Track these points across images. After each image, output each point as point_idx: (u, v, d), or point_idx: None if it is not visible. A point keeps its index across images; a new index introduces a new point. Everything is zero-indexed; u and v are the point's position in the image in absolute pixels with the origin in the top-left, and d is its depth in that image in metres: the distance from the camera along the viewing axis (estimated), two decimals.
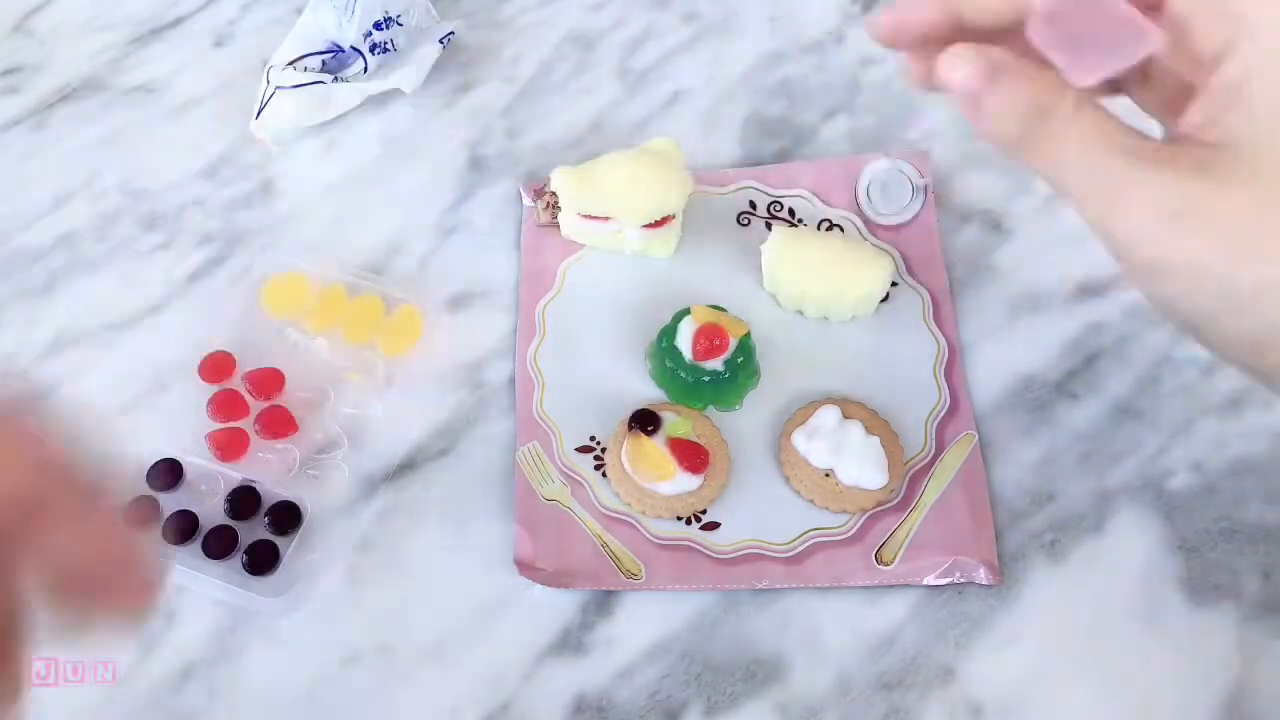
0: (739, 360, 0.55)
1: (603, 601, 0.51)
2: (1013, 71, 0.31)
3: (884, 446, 0.53)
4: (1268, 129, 0.29)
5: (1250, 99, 0.29)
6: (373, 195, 0.65)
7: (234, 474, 0.53)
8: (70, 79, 0.71)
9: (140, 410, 0.56)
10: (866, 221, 0.62)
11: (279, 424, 0.54)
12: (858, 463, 0.52)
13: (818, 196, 0.63)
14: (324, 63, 0.68)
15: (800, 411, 0.55)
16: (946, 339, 0.58)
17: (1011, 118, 0.32)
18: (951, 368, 0.57)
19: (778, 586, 0.50)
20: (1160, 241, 0.30)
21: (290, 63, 0.67)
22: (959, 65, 0.31)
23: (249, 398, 0.56)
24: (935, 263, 0.60)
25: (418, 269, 0.62)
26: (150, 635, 0.50)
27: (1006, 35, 0.32)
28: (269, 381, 0.56)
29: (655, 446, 0.52)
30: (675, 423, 0.53)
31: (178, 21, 0.74)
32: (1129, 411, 0.55)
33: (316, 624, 0.50)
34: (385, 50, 0.67)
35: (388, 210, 0.64)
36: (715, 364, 0.54)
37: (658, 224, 0.59)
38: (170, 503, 0.52)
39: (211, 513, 0.52)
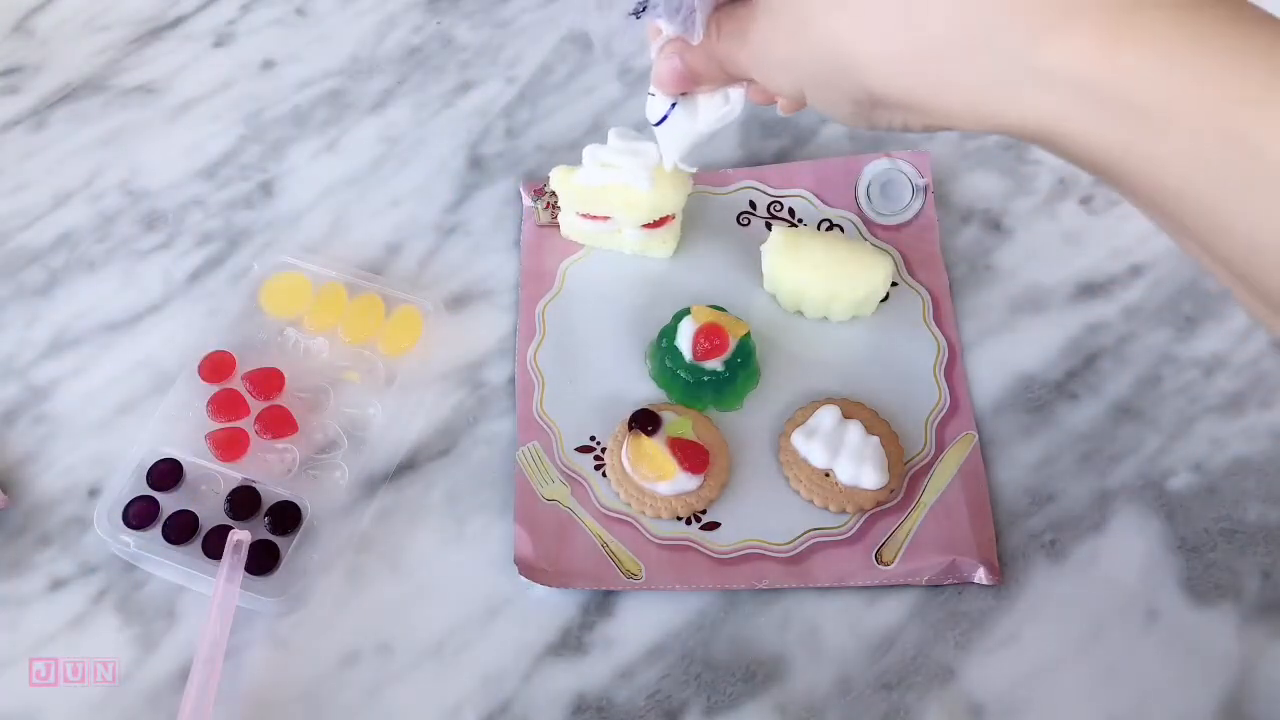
0: (739, 360, 0.55)
1: (603, 601, 0.51)
2: (686, 45, 0.44)
3: (884, 446, 0.53)
4: None
5: None
6: (373, 195, 0.65)
7: (234, 474, 0.53)
8: (70, 79, 0.71)
9: (140, 410, 0.56)
10: (866, 221, 0.62)
11: (279, 424, 0.54)
12: (857, 462, 0.52)
13: (818, 196, 0.63)
14: None
15: (800, 411, 0.55)
16: (946, 339, 0.58)
17: (702, 66, 0.44)
18: (951, 368, 0.57)
19: (778, 586, 0.50)
20: (774, 76, 0.41)
21: None
22: (664, 66, 0.45)
23: (249, 398, 0.55)
24: (935, 263, 0.60)
25: (418, 269, 0.62)
26: (150, 635, 0.50)
27: None
28: (269, 381, 0.56)
29: (655, 446, 0.52)
30: (675, 423, 0.53)
31: (178, 21, 0.74)
32: (1129, 411, 0.55)
33: (316, 624, 0.50)
34: None
35: (388, 210, 0.64)
36: (715, 364, 0.54)
37: (657, 224, 0.59)
38: (170, 503, 0.52)
39: (211, 513, 0.52)
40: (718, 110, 0.47)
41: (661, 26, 0.45)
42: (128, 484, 0.53)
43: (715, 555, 0.51)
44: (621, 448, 0.53)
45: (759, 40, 0.40)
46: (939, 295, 0.59)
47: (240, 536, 0.50)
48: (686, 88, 0.46)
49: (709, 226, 0.62)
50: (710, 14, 0.42)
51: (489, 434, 0.56)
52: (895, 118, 0.38)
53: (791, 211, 0.63)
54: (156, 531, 0.51)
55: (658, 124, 0.48)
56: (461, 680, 0.49)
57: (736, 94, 0.47)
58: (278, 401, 0.56)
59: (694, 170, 0.53)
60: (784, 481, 0.54)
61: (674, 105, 0.47)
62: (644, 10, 0.42)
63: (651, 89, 0.47)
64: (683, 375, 0.55)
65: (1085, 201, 0.63)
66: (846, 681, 0.48)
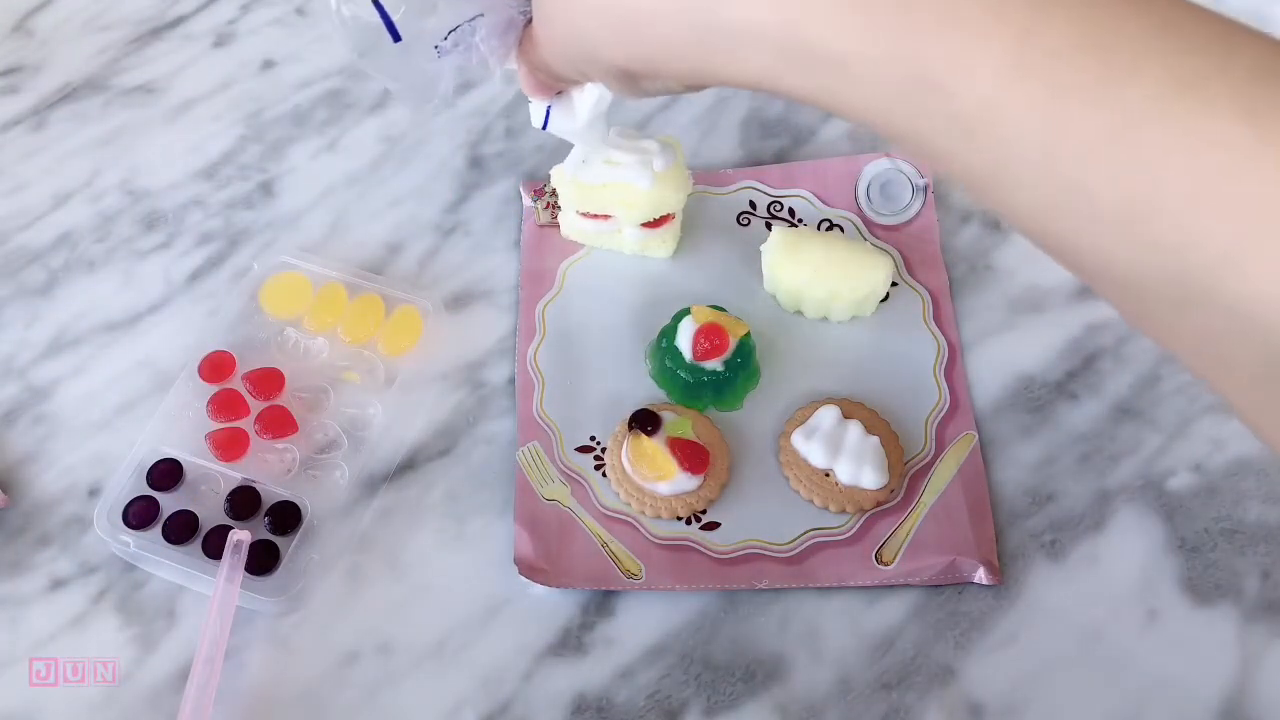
0: (739, 360, 0.55)
1: (603, 601, 0.51)
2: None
3: (884, 446, 0.53)
4: None
5: None
6: (373, 195, 0.65)
7: (234, 474, 0.53)
8: (70, 79, 0.71)
9: (140, 410, 0.56)
10: (866, 221, 0.62)
11: (279, 424, 0.54)
12: (857, 462, 0.52)
13: (818, 196, 0.63)
14: None
15: (800, 411, 0.55)
16: (946, 339, 0.58)
17: (535, 79, 0.47)
18: (951, 368, 0.57)
19: (778, 586, 0.50)
20: (566, 71, 0.44)
21: None
22: (521, 78, 0.48)
23: (249, 398, 0.55)
24: (935, 263, 0.60)
25: (418, 269, 0.62)
26: (150, 635, 0.50)
27: None
28: (269, 381, 0.56)
29: (655, 446, 0.52)
30: (675, 423, 0.53)
31: (178, 21, 0.74)
32: (1129, 411, 0.55)
33: (316, 624, 0.50)
34: None
35: (388, 210, 0.64)
36: (715, 364, 0.54)
37: (657, 223, 0.59)
38: (170, 503, 0.52)
39: (211, 513, 0.52)
40: (589, 103, 0.50)
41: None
42: (128, 484, 0.53)
43: (715, 555, 0.51)
44: (621, 448, 0.53)
45: (541, 43, 0.43)
46: (939, 295, 0.59)
47: (240, 536, 0.50)
48: (545, 92, 0.49)
49: (709, 226, 0.62)
50: (517, 38, 0.45)
51: (489, 434, 0.56)
52: (654, 85, 0.40)
53: (791, 211, 0.63)
54: (156, 531, 0.51)
55: (543, 127, 0.51)
56: (461, 680, 0.49)
57: (601, 90, 0.49)
58: (278, 401, 0.56)
59: (598, 142, 0.54)
60: (784, 481, 0.54)
61: (549, 109, 0.50)
62: (441, 48, 0.45)
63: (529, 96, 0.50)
64: (683, 375, 0.55)
65: None
66: (846, 681, 0.48)
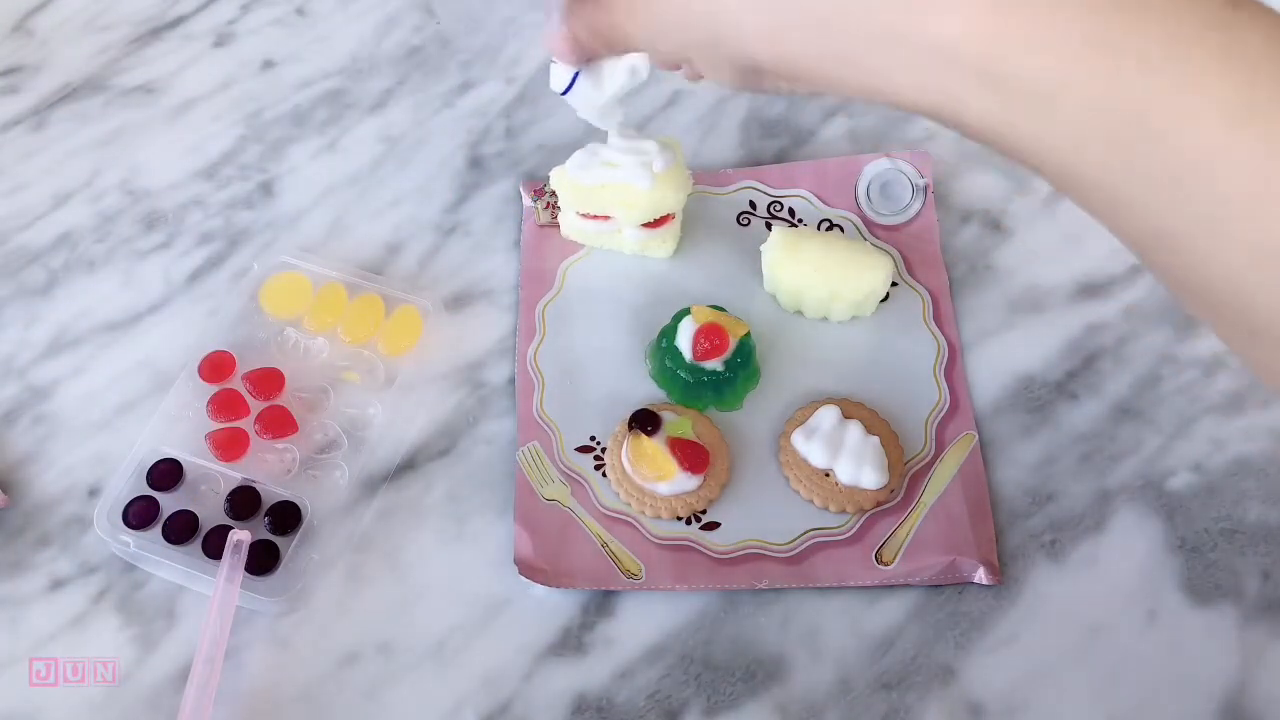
0: (739, 360, 0.55)
1: (603, 601, 0.51)
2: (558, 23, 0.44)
3: (884, 446, 0.53)
4: None
5: None
6: (373, 195, 0.65)
7: (234, 474, 0.53)
8: (70, 79, 0.71)
9: (140, 410, 0.56)
10: (866, 221, 0.62)
11: (279, 424, 0.54)
12: (857, 463, 0.52)
13: (818, 196, 0.63)
14: None
15: (800, 411, 0.55)
16: (946, 339, 0.58)
17: (586, 41, 0.44)
18: (951, 368, 0.57)
19: (778, 586, 0.50)
20: (653, 42, 0.41)
21: None
22: (554, 41, 0.45)
23: (249, 398, 0.55)
24: (935, 263, 0.60)
25: (418, 269, 0.62)
26: (150, 635, 0.50)
27: None
28: (269, 381, 0.56)
29: (655, 446, 0.52)
30: (675, 423, 0.53)
31: (178, 21, 0.74)
32: (1129, 411, 0.55)
33: (316, 624, 0.50)
34: None
35: (388, 210, 0.64)
36: (715, 364, 0.54)
37: (657, 223, 0.59)
38: (170, 503, 0.52)
39: (211, 513, 0.52)
40: (621, 78, 0.47)
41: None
42: (128, 484, 0.53)
43: (715, 555, 0.51)
44: (621, 448, 0.53)
45: (642, 8, 0.39)
46: (939, 295, 0.59)
47: (240, 536, 0.50)
48: (581, 59, 0.46)
49: (709, 226, 0.62)
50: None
51: (489, 434, 0.56)
52: (781, 85, 0.37)
53: (791, 211, 0.63)
54: (156, 531, 0.51)
55: (563, 93, 0.48)
56: (461, 680, 0.49)
57: (641, 61, 0.46)
58: (278, 401, 0.56)
59: (616, 125, 0.53)
60: (784, 481, 0.54)
61: (577, 75, 0.47)
62: None
63: (552, 58, 0.47)
64: (683, 375, 0.55)
65: None
66: (846, 681, 0.48)
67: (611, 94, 0.48)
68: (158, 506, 0.52)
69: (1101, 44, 0.29)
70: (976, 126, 0.32)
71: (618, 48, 0.43)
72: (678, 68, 0.44)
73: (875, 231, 0.62)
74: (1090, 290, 0.59)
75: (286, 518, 0.52)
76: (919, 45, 0.32)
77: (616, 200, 0.57)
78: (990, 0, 0.30)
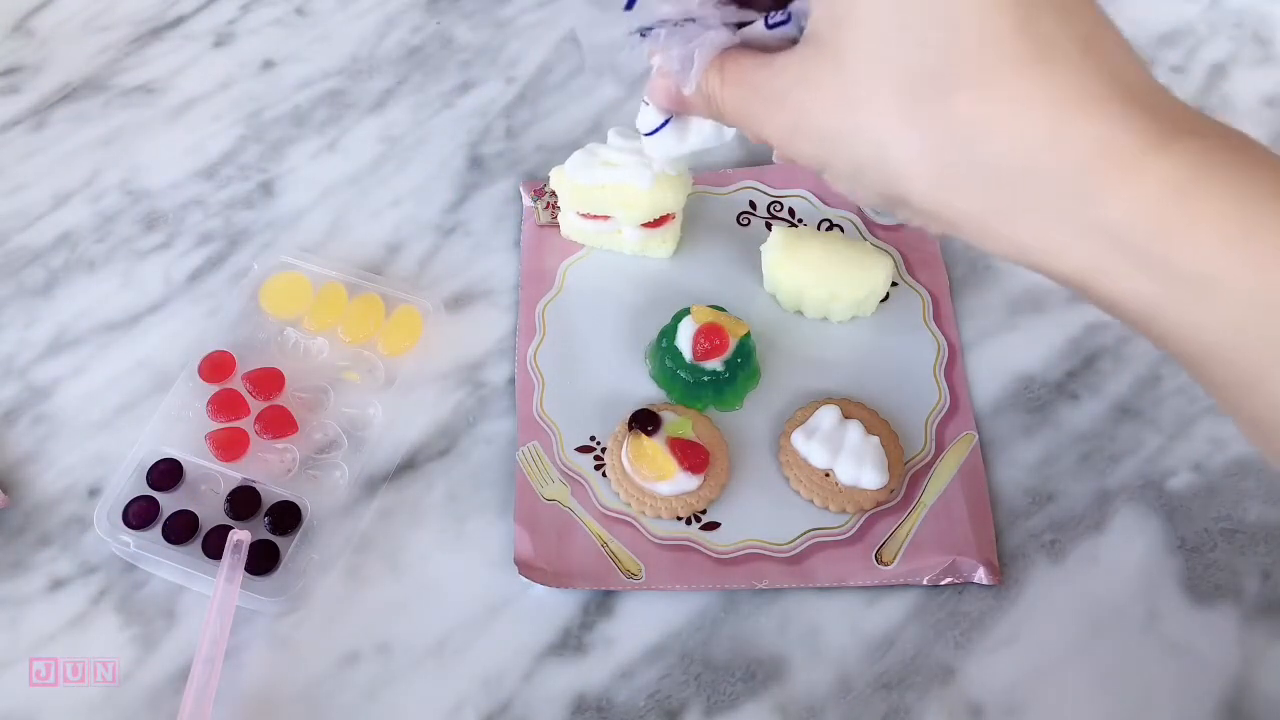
0: (739, 360, 0.55)
1: (603, 601, 0.51)
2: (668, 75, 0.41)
3: (884, 446, 0.53)
4: (838, 8, 0.35)
5: None
6: (373, 195, 0.65)
7: (234, 474, 0.53)
8: (70, 79, 0.71)
9: (140, 410, 0.56)
10: (866, 221, 0.62)
11: (279, 424, 0.54)
12: (857, 463, 0.52)
13: (818, 196, 0.63)
14: None
15: (800, 411, 0.55)
16: (946, 339, 0.58)
17: (696, 102, 0.41)
18: (951, 368, 0.57)
19: (778, 586, 0.50)
20: (790, 142, 0.38)
21: None
22: (658, 85, 0.43)
23: (249, 398, 0.55)
24: (935, 263, 0.60)
25: (418, 269, 0.62)
26: (150, 635, 0.50)
27: None
28: (269, 381, 0.56)
29: (655, 446, 0.52)
30: (675, 423, 0.53)
31: (178, 21, 0.74)
32: (1129, 411, 0.55)
33: (316, 624, 0.50)
34: None
35: (388, 210, 0.64)
36: (715, 364, 0.54)
37: (657, 223, 0.59)
38: (170, 503, 0.52)
39: (211, 513, 0.52)
40: (708, 136, 0.46)
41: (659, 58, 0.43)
42: (128, 484, 0.53)
43: (715, 555, 0.51)
44: (621, 448, 0.53)
45: (788, 105, 0.37)
46: (939, 295, 0.59)
47: (240, 536, 0.50)
48: (679, 112, 0.45)
49: (709, 226, 0.62)
50: (713, 59, 0.40)
51: (489, 434, 0.56)
52: (916, 219, 0.36)
53: (791, 211, 0.63)
54: (156, 531, 0.51)
55: (647, 134, 0.47)
56: (461, 680, 0.49)
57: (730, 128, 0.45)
58: (278, 401, 0.56)
59: (677, 174, 0.52)
60: (784, 481, 0.54)
61: (667, 122, 0.46)
62: (648, 33, 0.41)
63: (646, 99, 0.46)
64: (683, 375, 0.55)
65: None
66: (846, 681, 0.48)
67: (691, 149, 0.47)
68: (158, 506, 0.52)
69: (1269, 234, 0.29)
70: (1111, 298, 0.32)
71: (748, 131, 0.40)
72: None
73: (875, 231, 0.62)
74: None
75: (286, 518, 0.52)
76: (1086, 217, 0.31)
77: (616, 200, 0.57)
78: (1174, 183, 0.30)
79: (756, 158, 0.65)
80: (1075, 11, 0.32)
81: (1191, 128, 0.31)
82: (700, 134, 0.46)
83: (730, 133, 0.45)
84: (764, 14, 0.39)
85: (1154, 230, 0.31)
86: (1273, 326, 0.30)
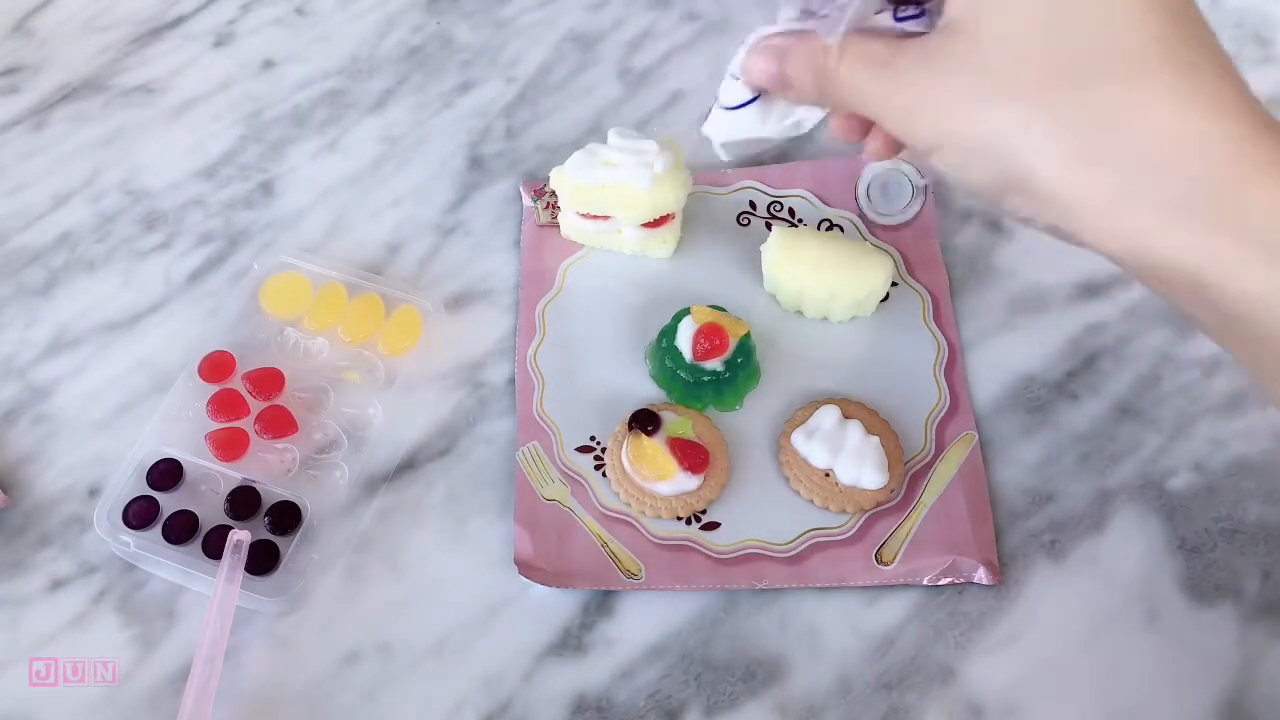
0: (739, 360, 0.55)
1: (603, 601, 0.51)
2: (791, 49, 0.41)
3: (884, 446, 0.53)
4: (970, 4, 0.36)
5: None
6: (373, 195, 0.65)
7: (234, 474, 0.53)
8: (70, 79, 0.71)
9: (140, 410, 0.56)
10: (866, 221, 0.62)
11: (279, 424, 0.54)
12: (857, 463, 0.52)
13: (818, 196, 0.63)
14: None
15: (800, 411, 0.55)
16: (946, 339, 0.58)
17: (802, 78, 0.41)
18: (951, 368, 0.57)
19: (778, 586, 0.50)
20: (906, 122, 0.39)
21: None
22: (757, 61, 0.42)
23: (249, 398, 0.55)
24: (935, 263, 0.60)
25: (418, 269, 0.62)
26: (150, 635, 0.50)
27: None
28: (269, 381, 0.56)
29: (655, 446, 0.52)
30: (675, 423, 0.53)
31: (178, 21, 0.74)
32: (1129, 411, 0.55)
33: (316, 624, 0.50)
34: None
35: (388, 210, 0.64)
36: (715, 364, 0.54)
37: (657, 223, 0.59)
38: (170, 503, 0.52)
39: (211, 513, 0.52)
40: (789, 124, 0.45)
41: (789, 14, 0.42)
42: (128, 484, 0.53)
43: (715, 555, 0.51)
44: (621, 448, 0.53)
45: (911, 85, 0.37)
46: (939, 295, 0.59)
47: (240, 536, 0.50)
48: (775, 91, 0.43)
49: (709, 226, 0.62)
50: (852, 28, 0.39)
51: (489, 434, 0.56)
52: (1027, 207, 0.37)
53: (791, 211, 0.63)
54: (156, 531, 0.51)
55: (729, 108, 0.45)
56: (461, 680, 0.49)
57: (815, 112, 0.44)
58: (278, 401, 0.56)
59: (729, 158, 0.49)
60: (784, 481, 0.54)
61: (755, 99, 0.44)
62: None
63: (735, 73, 0.44)
64: (683, 375, 0.55)
65: None
66: (846, 681, 0.48)
67: (768, 134, 0.45)
68: (158, 506, 0.52)
69: None
70: (1238, 301, 0.34)
71: (861, 108, 0.40)
72: (895, 150, 0.43)
73: (875, 231, 0.62)
74: (1090, 290, 0.59)
75: (286, 518, 0.52)
76: (1223, 213, 0.33)
77: (616, 200, 0.57)
78: None
79: (756, 158, 0.65)
80: (1209, 30, 0.35)
81: None
82: (782, 119, 0.45)
83: (811, 123, 0.45)
84: (893, 5, 0.39)
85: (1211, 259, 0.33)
86: None
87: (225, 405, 0.55)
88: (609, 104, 0.68)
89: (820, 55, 0.40)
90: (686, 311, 0.56)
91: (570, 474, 0.54)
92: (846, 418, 0.54)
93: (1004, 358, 0.57)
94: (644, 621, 0.50)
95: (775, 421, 0.55)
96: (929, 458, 0.54)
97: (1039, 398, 0.56)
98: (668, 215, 0.59)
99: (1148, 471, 0.53)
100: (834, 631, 0.50)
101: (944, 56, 0.37)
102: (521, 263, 0.61)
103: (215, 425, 0.55)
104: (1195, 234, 0.34)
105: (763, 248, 0.58)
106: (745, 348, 0.55)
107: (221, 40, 0.73)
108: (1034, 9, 0.35)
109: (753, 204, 0.63)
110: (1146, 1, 0.34)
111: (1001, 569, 0.51)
